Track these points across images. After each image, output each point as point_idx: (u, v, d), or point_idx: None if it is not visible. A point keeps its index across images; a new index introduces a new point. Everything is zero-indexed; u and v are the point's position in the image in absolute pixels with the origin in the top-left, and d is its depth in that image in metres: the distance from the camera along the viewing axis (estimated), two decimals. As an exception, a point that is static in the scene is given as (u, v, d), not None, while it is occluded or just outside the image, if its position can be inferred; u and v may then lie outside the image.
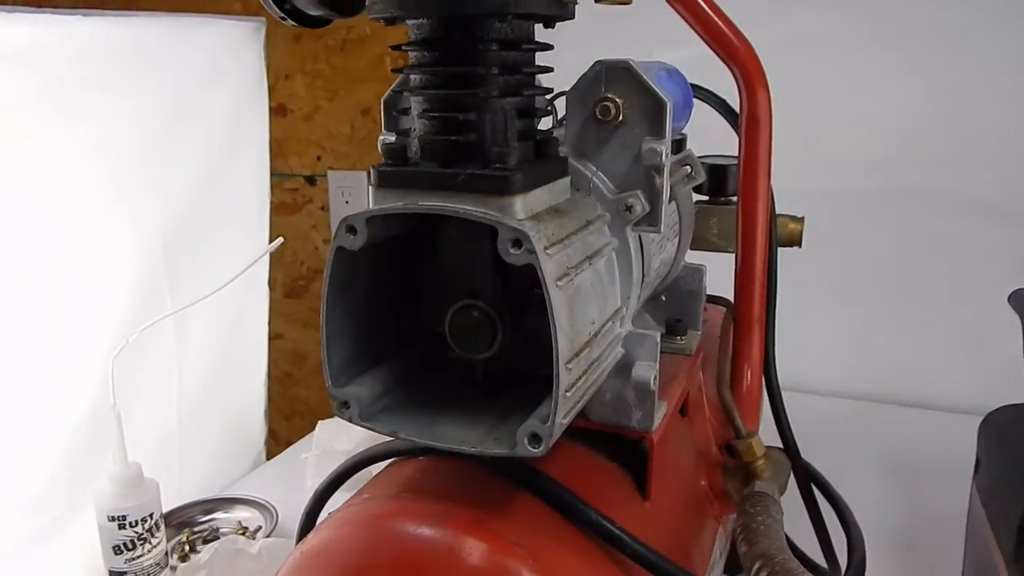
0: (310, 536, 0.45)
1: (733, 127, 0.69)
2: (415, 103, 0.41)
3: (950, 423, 1.11)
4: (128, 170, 0.86)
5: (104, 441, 0.69)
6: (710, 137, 0.69)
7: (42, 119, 0.75)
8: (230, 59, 0.98)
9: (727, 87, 0.64)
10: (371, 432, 0.46)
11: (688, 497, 0.58)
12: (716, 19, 0.59)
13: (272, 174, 1.11)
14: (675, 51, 0.69)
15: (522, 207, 0.39)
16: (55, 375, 0.80)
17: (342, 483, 0.53)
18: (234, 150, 1.02)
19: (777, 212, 0.71)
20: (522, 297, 0.45)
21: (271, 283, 1.17)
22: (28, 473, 0.78)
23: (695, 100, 0.64)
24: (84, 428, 0.81)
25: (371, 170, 0.41)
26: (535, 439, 0.39)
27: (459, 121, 0.39)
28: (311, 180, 1.46)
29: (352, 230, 0.40)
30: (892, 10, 1.11)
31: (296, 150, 1.45)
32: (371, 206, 0.42)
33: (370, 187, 0.42)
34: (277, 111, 1.40)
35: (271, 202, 1.12)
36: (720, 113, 0.71)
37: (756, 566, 0.46)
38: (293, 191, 1.47)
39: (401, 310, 0.47)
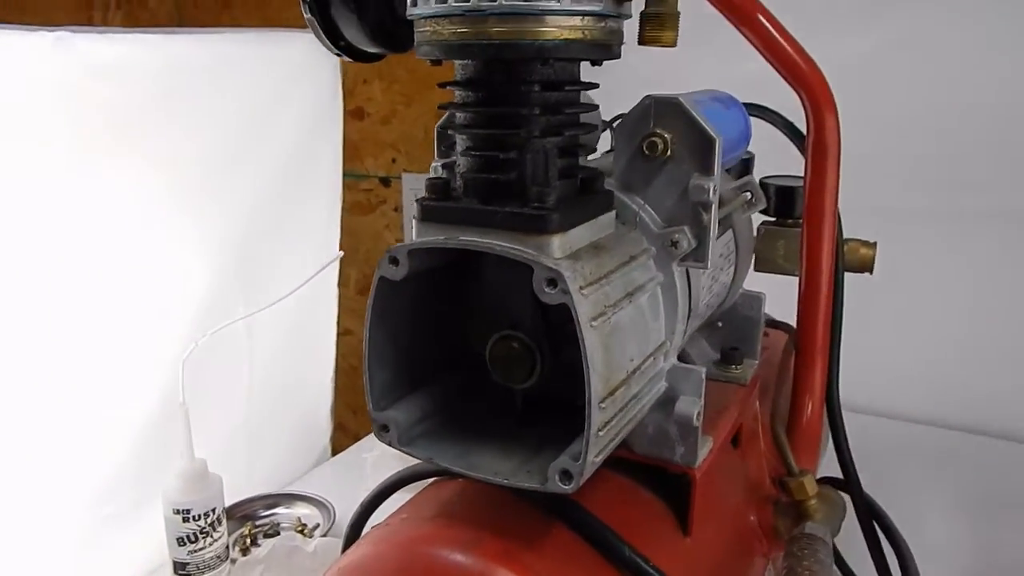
0: (348, 552, 0.47)
1: (800, 149, 0.67)
2: (459, 140, 0.41)
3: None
4: (206, 177, 0.89)
5: (175, 436, 0.73)
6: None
7: (129, 132, 0.79)
8: (308, 69, 1.01)
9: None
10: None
11: (734, 533, 0.57)
12: (783, 42, 0.57)
13: (348, 175, 1.13)
14: (743, 65, 0.68)
15: (559, 246, 0.39)
16: (131, 372, 0.84)
17: (387, 498, 0.55)
18: (308, 156, 1.05)
19: (847, 236, 0.69)
20: (561, 329, 0.45)
21: (344, 281, 1.20)
22: (101, 464, 0.82)
23: (759, 119, 0.62)
24: (156, 423, 0.85)
25: (416, 203, 0.42)
26: (566, 476, 0.39)
27: (500, 160, 0.40)
28: (385, 181, 1.49)
29: (395, 261, 0.41)
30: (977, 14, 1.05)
31: (372, 152, 1.48)
32: (414, 238, 0.43)
33: (414, 219, 0.43)
34: (355, 114, 1.43)
35: (347, 202, 1.14)
36: (786, 135, 0.69)
37: (798, 612, 0.45)
38: (368, 192, 1.51)
39: (441, 337, 0.48)
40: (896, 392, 1.18)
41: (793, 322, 0.71)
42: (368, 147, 1.48)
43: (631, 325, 0.43)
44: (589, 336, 0.38)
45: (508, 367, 0.45)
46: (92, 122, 0.76)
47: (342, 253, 0.75)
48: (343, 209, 1.15)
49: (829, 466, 0.65)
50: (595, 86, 0.43)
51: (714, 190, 0.45)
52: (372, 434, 1.08)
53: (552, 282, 0.38)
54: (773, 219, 0.73)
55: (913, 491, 0.80)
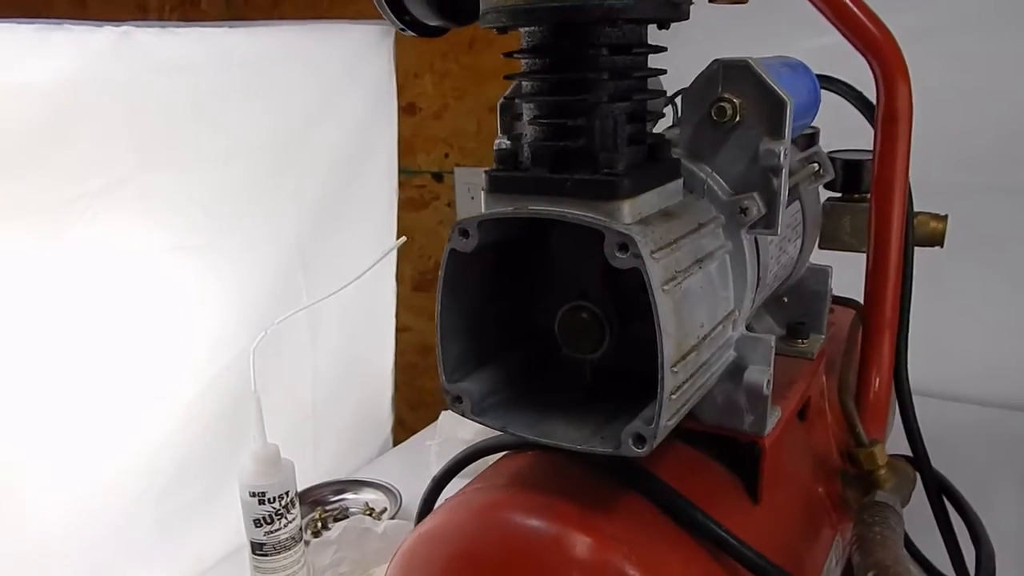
0: (427, 519, 0.48)
1: (869, 121, 0.66)
2: (526, 109, 0.42)
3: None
4: (266, 172, 0.92)
5: (248, 423, 0.75)
6: (848, 127, 0.66)
7: (190, 126, 0.82)
8: (362, 61, 1.03)
9: (864, 76, 0.62)
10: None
11: (802, 504, 0.57)
12: (853, 7, 0.56)
13: (400, 171, 1.15)
14: (808, 40, 0.67)
15: (629, 211, 0.39)
16: (202, 363, 0.87)
17: (458, 472, 0.56)
18: (364, 149, 1.07)
19: (916, 210, 0.68)
20: (631, 299, 0.45)
21: (400, 277, 1.22)
22: (181, 450, 0.85)
23: (828, 92, 0.62)
24: (230, 410, 0.87)
25: (484, 174, 0.43)
26: (639, 440, 0.40)
27: (568, 127, 0.40)
28: (438, 177, 1.51)
29: (465, 233, 0.42)
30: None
31: (424, 147, 1.50)
32: (483, 210, 0.43)
33: (483, 191, 0.43)
34: (406, 110, 1.45)
35: (400, 198, 1.16)
36: (855, 106, 0.68)
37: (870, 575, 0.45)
38: (421, 188, 1.52)
39: (511, 310, 0.49)
40: (963, 375, 1.15)
41: (858, 299, 0.70)
42: (420, 142, 1.49)
43: (701, 292, 0.43)
44: (661, 300, 0.38)
45: (577, 337, 0.45)
46: (155, 117, 0.78)
47: (404, 238, 0.76)
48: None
49: (895, 447, 0.64)
50: (663, 49, 0.43)
51: (784, 154, 0.44)
52: (433, 425, 1.10)
53: (624, 247, 0.38)
54: (839, 194, 0.72)
55: (981, 474, 0.78)
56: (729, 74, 0.45)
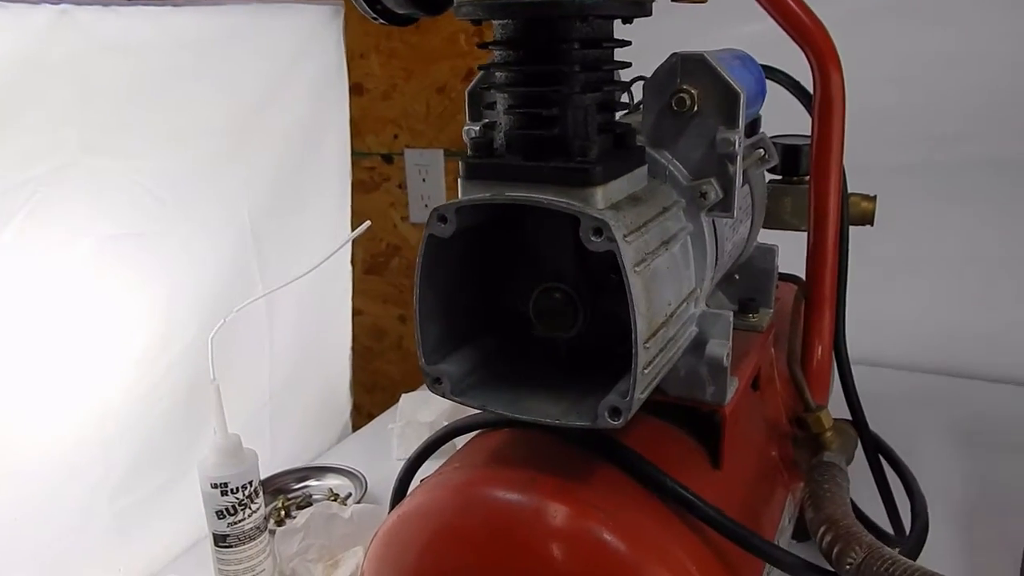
0: (405, 501, 0.50)
1: (807, 108, 0.69)
2: (500, 99, 0.44)
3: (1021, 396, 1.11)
4: (217, 155, 0.90)
5: (204, 412, 0.74)
6: (788, 112, 0.69)
7: (137, 109, 0.80)
8: (312, 43, 1.02)
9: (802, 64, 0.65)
10: (451, 405, 0.50)
11: (759, 467, 0.60)
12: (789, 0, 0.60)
13: (351, 153, 1.15)
14: (749, 25, 0.70)
15: (602, 197, 0.42)
16: (154, 352, 0.86)
17: (432, 453, 0.58)
18: (316, 132, 1.06)
19: (849, 191, 0.72)
20: (602, 280, 0.48)
21: (352, 260, 1.22)
22: (135, 442, 0.84)
23: (770, 82, 0.65)
24: (185, 400, 0.87)
25: (460, 162, 0.44)
26: (615, 412, 0.42)
27: (543, 116, 0.42)
28: (388, 159, 1.50)
29: (443, 219, 0.43)
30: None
31: (373, 129, 1.49)
32: (460, 196, 0.45)
33: (459, 178, 0.45)
34: (354, 90, 1.43)
35: (351, 181, 1.16)
36: (793, 94, 0.71)
37: (822, 530, 0.49)
38: (371, 170, 1.52)
39: (486, 293, 0.50)
40: (891, 341, 1.22)
41: (798, 274, 0.74)
42: (369, 124, 1.48)
43: (667, 272, 0.46)
44: (634, 280, 0.41)
45: (552, 317, 0.47)
46: (100, 99, 0.76)
47: (369, 223, 0.77)
48: (345, 188, 1.17)
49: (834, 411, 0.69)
50: (628, 43, 0.45)
51: (739, 142, 0.47)
52: (392, 408, 1.10)
53: (598, 231, 0.40)
54: (780, 177, 0.76)
55: (911, 434, 0.83)
56: (687, 66, 0.48)
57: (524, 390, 0.48)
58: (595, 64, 0.42)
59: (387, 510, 0.59)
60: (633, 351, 0.41)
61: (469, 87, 0.52)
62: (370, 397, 1.60)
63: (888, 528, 0.72)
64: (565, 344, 0.49)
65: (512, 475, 0.47)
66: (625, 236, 0.41)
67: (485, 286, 0.51)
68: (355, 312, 1.27)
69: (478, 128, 0.49)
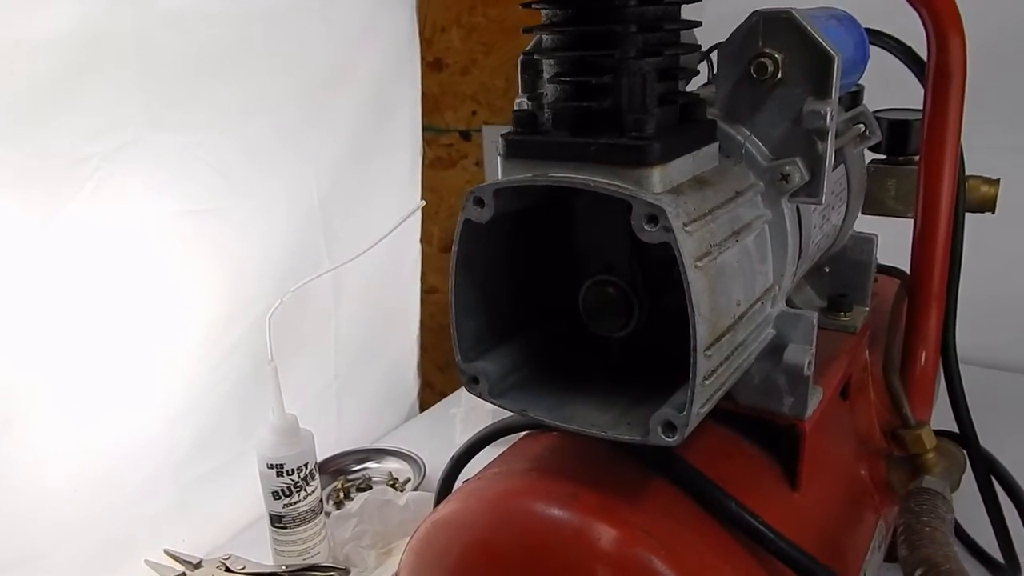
0: (441, 506, 0.46)
1: (919, 78, 0.61)
2: (547, 66, 0.38)
3: None
4: (283, 131, 0.88)
5: (266, 391, 0.73)
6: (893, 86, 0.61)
7: (202, 83, 0.78)
8: (383, 16, 0.98)
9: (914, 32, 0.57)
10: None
11: (844, 488, 0.54)
12: (902, -45, 0.52)
13: (427, 129, 1.11)
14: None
15: (659, 179, 0.36)
16: (219, 330, 0.85)
17: (477, 452, 0.53)
18: (386, 107, 1.03)
19: (967, 173, 0.63)
20: (662, 271, 0.42)
21: (426, 238, 1.19)
22: (200, 419, 0.84)
23: (873, 47, 0.57)
24: (251, 378, 0.86)
25: (500, 139, 0.39)
26: (669, 428, 0.37)
27: (592, 85, 0.37)
28: (466, 135, 1.46)
29: (480, 202, 0.39)
30: None
31: (452, 105, 1.45)
32: (500, 176, 0.40)
33: (499, 156, 0.40)
34: (433, 65, 1.40)
35: (428, 157, 1.12)
36: (903, 62, 0.63)
37: (918, 573, 0.42)
38: (448, 146, 1.48)
39: (531, 284, 0.45)
40: (1002, 340, 1.10)
41: (901, 267, 0.66)
42: (447, 99, 1.44)
43: (737, 267, 0.40)
44: (694, 277, 0.35)
45: (603, 314, 0.42)
46: (164, 73, 0.74)
47: (424, 202, 0.73)
48: (423, 165, 1.14)
49: (937, 419, 0.61)
50: None
51: (831, 115, 0.40)
52: (459, 390, 1.07)
53: (653, 219, 0.35)
54: (884, 157, 0.68)
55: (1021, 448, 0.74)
56: (770, 27, 0.41)
57: (570, 392, 0.43)
58: (655, 23, 0.36)
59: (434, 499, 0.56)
60: (692, 360, 0.36)
61: (522, 55, 0.47)
62: (443, 376, 1.58)
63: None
64: (617, 343, 0.44)
65: (553, 487, 0.42)
66: (685, 225, 0.35)
67: (529, 277, 0.46)
68: (431, 290, 1.24)
69: (527, 100, 0.44)
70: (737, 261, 0.39)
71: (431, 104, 1.10)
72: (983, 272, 0.69)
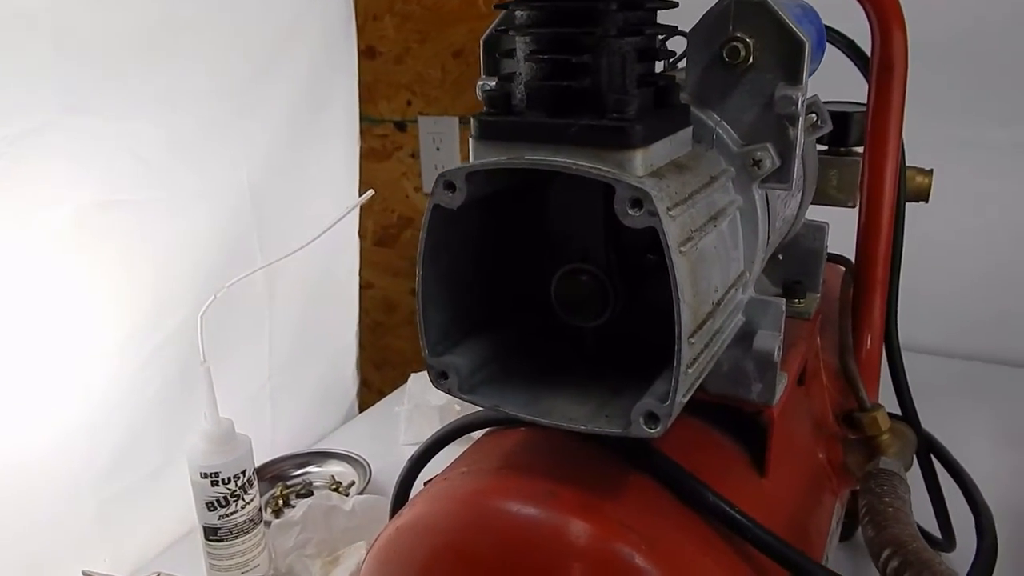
0: (405, 510, 0.43)
1: (862, 72, 0.63)
2: (521, 44, 0.37)
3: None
4: (213, 118, 0.84)
5: (198, 394, 0.69)
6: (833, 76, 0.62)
7: (128, 65, 0.73)
8: (317, 1, 0.95)
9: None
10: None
11: (806, 472, 0.54)
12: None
13: (361, 119, 1.08)
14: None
15: (642, 163, 0.35)
16: (143, 330, 0.80)
17: (437, 451, 0.51)
18: (322, 96, 1.00)
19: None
20: (637, 260, 0.41)
21: (361, 232, 1.16)
22: (122, 427, 0.78)
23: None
24: (178, 381, 0.81)
25: (472, 119, 0.38)
26: (652, 419, 0.36)
27: (572, 64, 0.35)
28: (401, 126, 1.43)
29: (450, 186, 0.37)
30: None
31: (386, 94, 1.42)
32: (471, 159, 0.38)
33: (471, 138, 0.38)
34: (365, 53, 1.36)
35: (361, 148, 1.09)
36: (848, 56, 0.64)
37: (886, 553, 0.42)
38: (383, 137, 1.45)
39: (501, 273, 0.44)
40: (932, 325, 1.14)
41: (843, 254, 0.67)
42: (381, 89, 1.41)
43: (715, 252, 0.39)
44: (679, 263, 0.34)
45: (578, 304, 0.41)
46: (84, 55, 0.70)
47: (372, 192, 0.70)
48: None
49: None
50: (675, -21, 0.38)
51: (802, 101, 0.40)
52: (402, 388, 1.05)
53: (637, 203, 0.33)
54: (825, 148, 0.69)
55: (957, 425, 0.77)
56: (742, 11, 0.41)
57: (544, 386, 0.41)
58: (635, 1, 0.35)
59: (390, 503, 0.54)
60: (676, 347, 0.35)
61: (485, 34, 0.45)
62: (380, 374, 1.54)
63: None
64: (592, 333, 0.43)
65: (529, 485, 0.40)
66: (669, 210, 0.34)
67: (500, 266, 0.44)
68: (365, 285, 1.21)
69: (494, 82, 0.42)
70: (715, 247, 0.39)
71: (364, 93, 1.07)
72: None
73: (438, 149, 1.39)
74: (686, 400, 0.37)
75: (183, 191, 0.82)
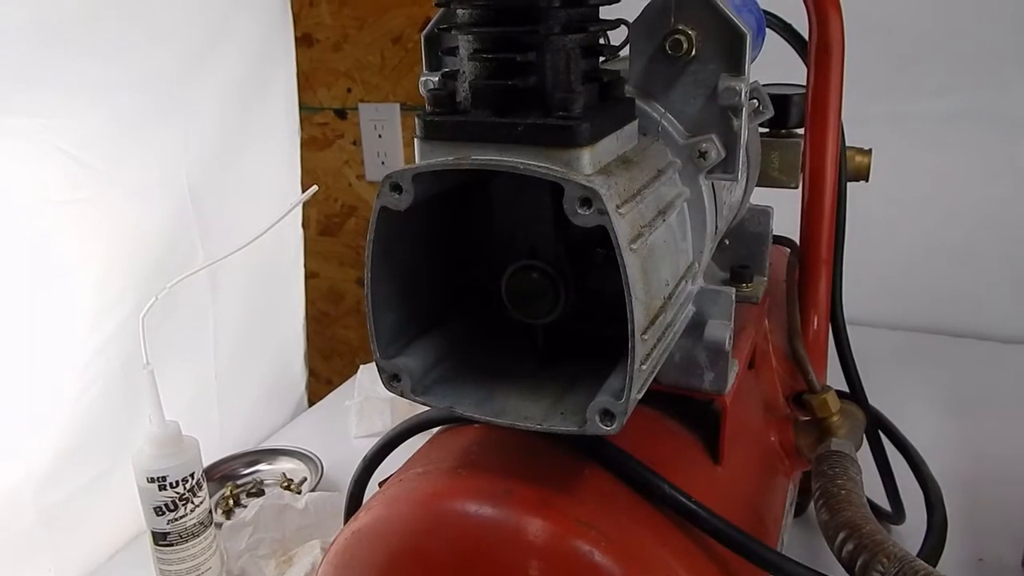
0: (361, 514, 0.43)
1: (800, 55, 0.63)
2: (464, 42, 0.36)
3: (1004, 354, 1.07)
4: (147, 111, 0.81)
5: (142, 395, 0.67)
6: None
7: (56, 58, 0.70)
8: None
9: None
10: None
11: (759, 456, 0.55)
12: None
13: (300, 108, 1.06)
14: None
15: (590, 160, 0.35)
16: (83, 332, 0.77)
17: (391, 450, 0.51)
18: (260, 85, 0.97)
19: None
20: (586, 254, 0.41)
21: (304, 221, 1.14)
22: (64, 431, 0.76)
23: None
24: (120, 382, 0.79)
25: (416, 119, 0.37)
26: (608, 416, 0.36)
27: (516, 63, 0.35)
28: (341, 114, 1.41)
29: (397, 188, 0.36)
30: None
31: (325, 82, 1.39)
32: (417, 160, 0.38)
33: (415, 138, 0.37)
34: (303, 41, 1.33)
35: (301, 137, 1.07)
36: (786, 40, 0.65)
37: (841, 536, 0.43)
38: (323, 125, 1.42)
39: (449, 269, 0.43)
40: (870, 297, 1.18)
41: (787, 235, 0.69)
42: (320, 76, 1.38)
43: (665, 246, 0.39)
44: (630, 260, 0.34)
45: (529, 301, 0.41)
46: (7, 48, 0.66)
47: (316, 188, 0.69)
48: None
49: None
50: (617, -27, 0.37)
51: (745, 92, 0.40)
52: (352, 379, 1.03)
53: (586, 201, 0.33)
54: (766, 130, 0.69)
55: (901, 396, 0.79)
56: (684, 3, 0.41)
57: (497, 384, 0.41)
58: (579, -3, 0.35)
59: (344, 499, 0.53)
60: (630, 345, 0.35)
61: (426, 30, 0.44)
62: (328, 364, 1.53)
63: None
64: (543, 329, 0.42)
65: (485, 484, 0.40)
66: (618, 207, 0.34)
67: (448, 263, 0.43)
68: (310, 275, 1.19)
69: (437, 79, 0.41)
70: (664, 240, 0.39)
71: (302, 82, 1.04)
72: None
73: (380, 136, 1.37)
74: (641, 395, 0.37)
75: (119, 187, 0.79)
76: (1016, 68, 1.04)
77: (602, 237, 0.34)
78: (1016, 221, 1.09)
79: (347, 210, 1.46)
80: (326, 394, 1.10)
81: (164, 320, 0.80)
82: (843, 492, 0.46)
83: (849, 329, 0.65)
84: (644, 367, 0.36)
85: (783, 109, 0.68)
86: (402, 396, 0.40)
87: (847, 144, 0.66)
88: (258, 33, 0.94)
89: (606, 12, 0.38)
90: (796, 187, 0.66)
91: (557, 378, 0.41)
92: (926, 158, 1.11)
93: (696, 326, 0.44)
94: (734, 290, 0.44)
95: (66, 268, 0.76)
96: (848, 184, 0.67)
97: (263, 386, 1.06)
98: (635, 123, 0.40)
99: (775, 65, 0.61)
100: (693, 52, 0.41)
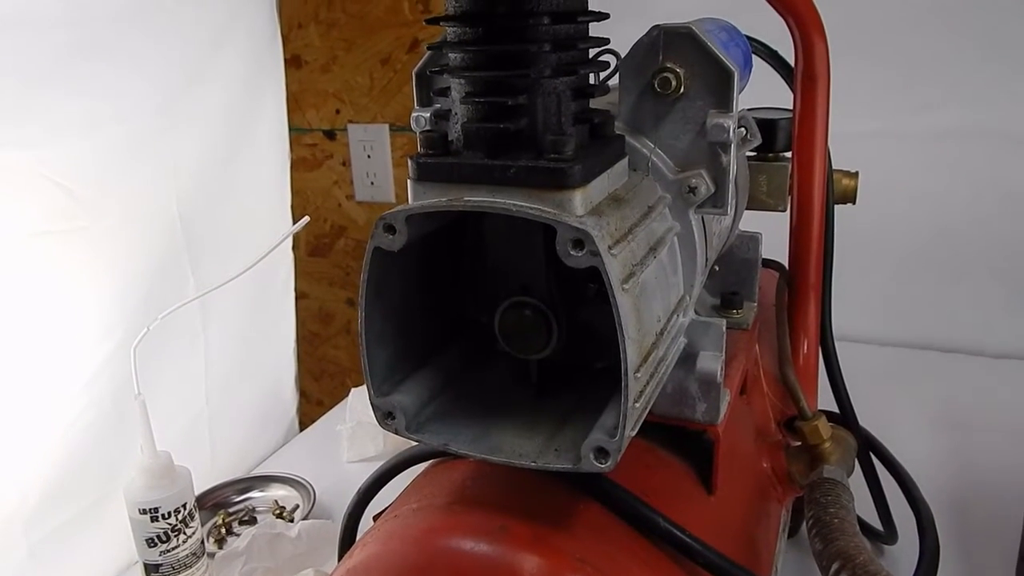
0: (355, 551, 0.43)
1: (787, 82, 0.64)
2: (456, 85, 0.36)
3: (995, 369, 1.08)
4: (136, 141, 0.81)
5: (133, 425, 0.66)
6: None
7: (45, 92, 0.70)
8: (242, 12, 0.93)
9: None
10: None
11: (752, 484, 0.55)
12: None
13: (290, 129, 1.06)
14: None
15: (581, 201, 0.35)
16: (74, 362, 0.77)
17: (384, 484, 0.51)
18: (249, 108, 0.97)
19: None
20: (578, 289, 0.41)
21: (294, 243, 1.14)
22: (54, 463, 0.76)
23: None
24: (112, 412, 0.78)
25: (409, 161, 0.37)
26: (602, 454, 0.36)
27: (507, 106, 0.35)
28: (330, 135, 1.41)
29: (391, 229, 0.36)
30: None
31: (313, 103, 1.39)
32: (410, 201, 0.38)
33: (408, 180, 0.38)
34: (291, 63, 1.34)
35: (290, 159, 1.07)
36: (772, 66, 0.66)
37: (835, 567, 0.43)
38: (312, 146, 1.42)
39: (442, 303, 0.43)
40: (856, 314, 1.18)
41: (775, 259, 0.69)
42: (309, 98, 1.39)
43: (656, 283, 0.39)
44: (622, 300, 0.34)
45: (523, 337, 0.41)
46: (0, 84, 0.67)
47: (308, 219, 0.69)
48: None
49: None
50: (606, 16, 0.38)
51: (734, 128, 0.41)
52: (343, 403, 1.03)
53: (579, 243, 0.34)
54: (754, 153, 0.70)
55: (890, 412, 0.80)
56: (671, 41, 0.41)
57: (492, 419, 0.41)
58: (568, 41, 0.35)
59: (338, 525, 0.53)
60: (623, 383, 0.35)
61: (417, 67, 0.44)
62: (318, 384, 1.52)
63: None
64: (537, 364, 0.43)
65: (480, 521, 0.40)
66: (610, 248, 0.34)
67: (440, 299, 0.44)
68: (300, 295, 1.19)
69: (428, 115, 0.42)
70: (655, 277, 0.39)
71: (291, 103, 1.05)
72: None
73: (369, 157, 1.37)
74: (635, 432, 0.37)
75: (109, 217, 0.79)
76: (1002, 85, 1.05)
77: (593, 273, 0.34)
78: (1004, 236, 1.10)
79: (336, 230, 1.46)
80: (317, 415, 1.09)
81: (155, 348, 0.80)
82: (836, 521, 0.46)
83: (839, 345, 0.66)
84: (638, 405, 0.36)
85: (770, 133, 0.68)
86: (396, 434, 0.40)
87: (834, 167, 0.67)
88: (248, 57, 0.95)
89: (596, 29, 0.38)
90: (784, 210, 0.67)
91: (552, 411, 0.41)
92: (913, 175, 1.12)
93: (688, 357, 0.45)
94: (724, 321, 0.45)
95: (57, 298, 0.76)
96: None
97: (255, 410, 1.06)
98: (625, 160, 0.40)
99: (760, 83, 0.61)
100: (682, 89, 0.41)
